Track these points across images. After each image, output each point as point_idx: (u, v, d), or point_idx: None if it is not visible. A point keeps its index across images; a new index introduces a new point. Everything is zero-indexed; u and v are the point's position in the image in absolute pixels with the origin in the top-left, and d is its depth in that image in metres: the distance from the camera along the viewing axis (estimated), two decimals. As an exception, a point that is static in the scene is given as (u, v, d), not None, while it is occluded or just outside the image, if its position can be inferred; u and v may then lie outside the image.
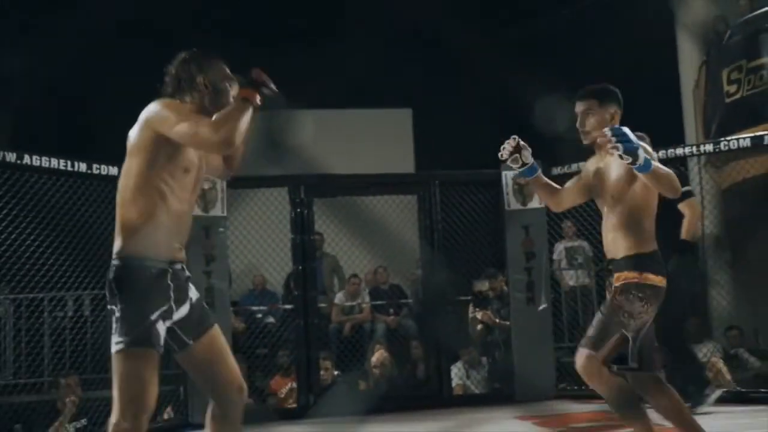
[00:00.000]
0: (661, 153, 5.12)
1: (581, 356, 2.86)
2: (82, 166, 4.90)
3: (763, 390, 5.14)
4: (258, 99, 2.36)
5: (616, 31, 6.98)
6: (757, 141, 5.39)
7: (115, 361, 2.27)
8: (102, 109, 7.28)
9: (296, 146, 6.61)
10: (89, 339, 5.58)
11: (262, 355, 5.97)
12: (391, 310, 6.79)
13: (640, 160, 2.68)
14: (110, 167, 4.98)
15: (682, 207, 4.72)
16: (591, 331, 2.89)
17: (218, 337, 2.46)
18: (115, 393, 2.24)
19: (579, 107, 3.03)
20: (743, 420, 4.14)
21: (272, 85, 2.40)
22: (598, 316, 2.93)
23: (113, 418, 2.24)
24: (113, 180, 5.01)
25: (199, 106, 2.44)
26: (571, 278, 6.94)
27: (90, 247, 5.10)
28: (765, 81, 7.04)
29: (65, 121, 7.77)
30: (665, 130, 5.89)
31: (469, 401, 5.89)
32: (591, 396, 5.68)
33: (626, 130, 2.72)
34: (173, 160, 2.36)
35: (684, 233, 4.69)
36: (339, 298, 6.76)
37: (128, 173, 2.39)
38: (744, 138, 5.55)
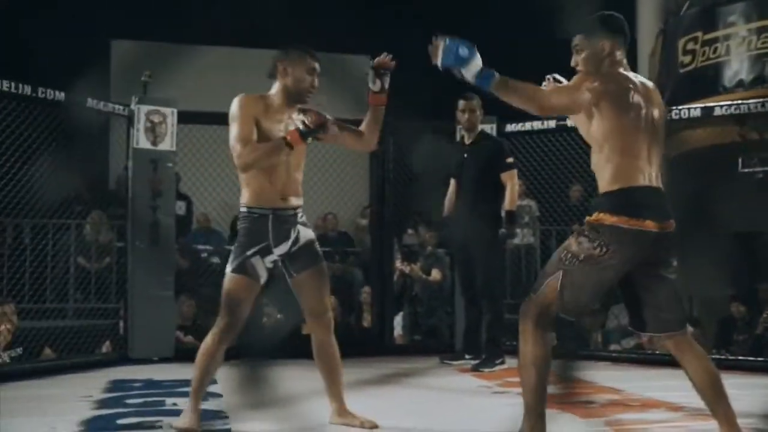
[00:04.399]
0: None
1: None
2: (27, 89, 4.68)
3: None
4: (298, 143, 2.91)
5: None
6: (707, 112, 5.48)
7: (224, 281, 3.04)
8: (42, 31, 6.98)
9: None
10: (28, 268, 5.43)
11: (207, 294, 5.91)
12: (337, 257, 6.77)
13: (468, 74, 2.48)
14: (56, 92, 4.81)
15: (504, 177, 4.93)
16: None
17: (318, 274, 3.10)
18: (222, 302, 3.03)
19: (572, 44, 2.74)
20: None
21: (327, 129, 2.93)
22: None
23: (219, 320, 3.02)
24: (57, 105, 4.85)
25: (283, 94, 3.01)
26: (516, 237, 7.00)
27: (32, 174, 4.94)
28: (719, 53, 7.13)
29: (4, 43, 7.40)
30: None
31: (409, 350, 5.96)
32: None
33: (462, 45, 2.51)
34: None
35: (508, 204, 4.91)
36: (285, 242, 6.68)
37: None
38: (695, 108, 5.64)
